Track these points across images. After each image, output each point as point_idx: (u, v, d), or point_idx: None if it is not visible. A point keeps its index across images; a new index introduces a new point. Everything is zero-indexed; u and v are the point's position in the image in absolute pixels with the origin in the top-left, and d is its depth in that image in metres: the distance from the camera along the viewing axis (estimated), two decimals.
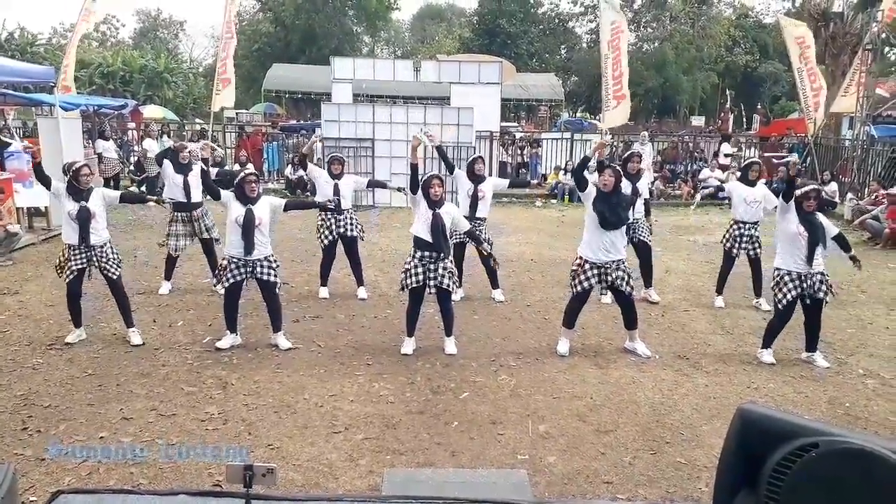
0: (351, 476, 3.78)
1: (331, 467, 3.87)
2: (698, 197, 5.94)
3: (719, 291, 7.29)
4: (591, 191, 5.47)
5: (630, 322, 5.76)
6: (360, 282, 7.38)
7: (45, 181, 5.70)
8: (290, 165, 15.93)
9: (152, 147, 15.18)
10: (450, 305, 5.74)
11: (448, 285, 5.58)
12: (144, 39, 46.42)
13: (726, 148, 17.28)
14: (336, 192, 7.01)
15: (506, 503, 1.47)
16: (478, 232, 7.05)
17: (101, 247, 5.65)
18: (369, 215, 11.81)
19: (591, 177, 5.93)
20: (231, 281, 5.56)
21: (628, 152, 7.50)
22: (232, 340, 5.72)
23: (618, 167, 5.80)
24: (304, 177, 14.88)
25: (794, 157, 6.51)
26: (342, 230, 7.12)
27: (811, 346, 5.66)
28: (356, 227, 7.22)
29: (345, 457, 3.98)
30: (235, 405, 4.63)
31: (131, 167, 16.00)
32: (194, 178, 7.00)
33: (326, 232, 7.12)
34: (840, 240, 5.71)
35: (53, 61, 23.56)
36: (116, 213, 10.65)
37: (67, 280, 5.62)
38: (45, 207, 10.42)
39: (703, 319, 6.84)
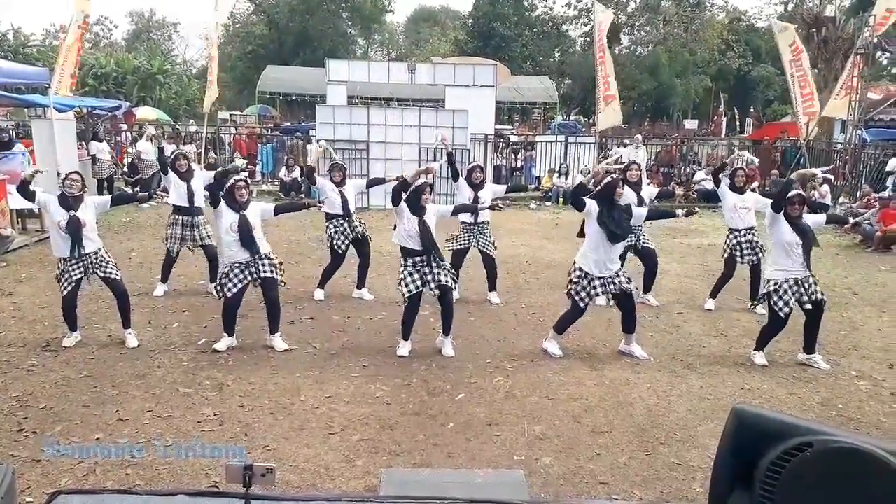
0: (347, 477, 3.78)
1: (327, 468, 3.87)
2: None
3: (713, 296, 7.32)
4: (592, 208, 5.47)
5: (629, 326, 5.77)
6: (362, 283, 7.41)
7: (29, 196, 5.59)
8: (284, 167, 15.91)
9: (146, 148, 15.13)
10: (451, 301, 5.74)
11: (448, 281, 5.60)
12: (138, 41, 46.19)
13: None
14: (344, 199, 7.07)
15: (502, 503, 1.48)
16: (482, 236, 7.10)
17: (96, 253, 5.59)
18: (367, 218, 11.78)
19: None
20: (235, 290, 5.55)
21: (627, 162, 7.53)
22: (229, 343, 5.72)
23: (619, 179, 5.82)
24: (298, 179, 14.91)
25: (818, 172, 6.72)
26: (356, 233, 7.20)
27: (810, 348, 5.68)
28: (364, 227, 7.31)
29: (341, 458, 3.99)
30: (231, 407, 4.63)
31: (125, 168, 15.94)
32: (196, 184, 7.03)
33: (343, 238, 7.15)
34: (833, 220, 5.87)
35: (46, 62, 23.46)
36: (111, 215, 10.61)
37: (65, 292, 5.51)
38: (39, 209, 10.37)
39: (697, 321, 6.87)
